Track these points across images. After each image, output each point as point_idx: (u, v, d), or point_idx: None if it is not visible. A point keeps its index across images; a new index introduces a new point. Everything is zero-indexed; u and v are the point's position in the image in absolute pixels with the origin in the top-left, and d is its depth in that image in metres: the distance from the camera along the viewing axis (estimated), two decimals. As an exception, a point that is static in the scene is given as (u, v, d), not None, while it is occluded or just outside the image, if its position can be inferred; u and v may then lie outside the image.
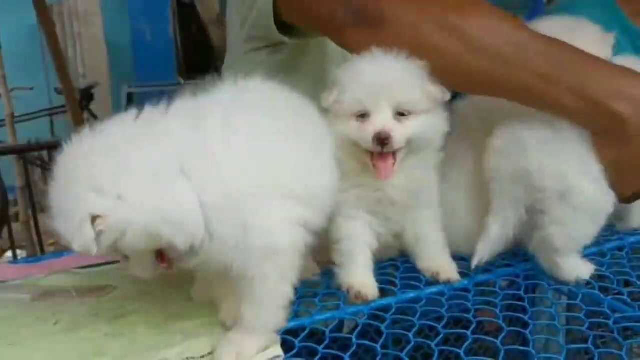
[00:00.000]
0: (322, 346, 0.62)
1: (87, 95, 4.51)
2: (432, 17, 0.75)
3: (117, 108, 4.61)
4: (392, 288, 0.77)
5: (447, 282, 0.78)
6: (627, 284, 0.80)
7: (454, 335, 0.67)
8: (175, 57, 4.96)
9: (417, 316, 0.70)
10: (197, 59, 4.94)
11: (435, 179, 0.80)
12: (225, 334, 0.64)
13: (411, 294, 0.75)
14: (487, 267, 0.82)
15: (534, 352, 0.65)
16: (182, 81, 4.74)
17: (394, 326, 0.71)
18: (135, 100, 4.66)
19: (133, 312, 0.71)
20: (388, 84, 0.72)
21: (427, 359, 0.66)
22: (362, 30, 0.77)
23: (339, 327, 0.89)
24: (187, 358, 0.61)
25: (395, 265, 0.84)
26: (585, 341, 0.67)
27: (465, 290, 0.77)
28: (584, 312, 0.71)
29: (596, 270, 0.80)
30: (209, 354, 0.62)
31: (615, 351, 0.63)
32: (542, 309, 0.80)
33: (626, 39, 1.76)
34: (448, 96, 0.75)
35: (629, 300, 0.73)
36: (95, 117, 4.43)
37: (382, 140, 0.70)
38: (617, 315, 0.69)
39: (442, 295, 0.75)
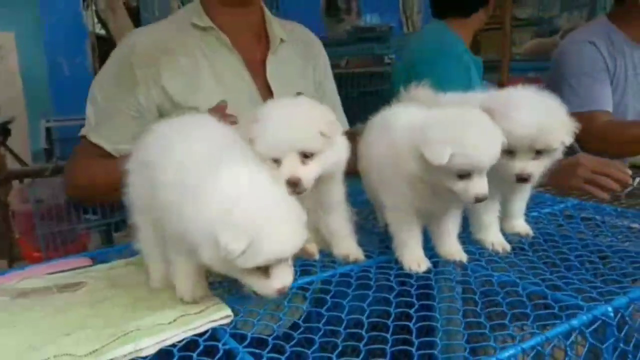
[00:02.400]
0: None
1: (3, 131, 4.44)
2: None
3: (35, 143, 4.58)
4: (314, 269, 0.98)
5: (355, 262, 1.00)
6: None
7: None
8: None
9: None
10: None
11: (341, 188, 1.02)
12: (185, 305, 0.82)
13: (329, 272, 0.97)
14: (386, 250, 1.05)
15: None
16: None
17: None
18: (53, 135, 4.64)
19: (107, 299, 0.88)
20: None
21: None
22: None
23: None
24: (157, 324, 0.79)
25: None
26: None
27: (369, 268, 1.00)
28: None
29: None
30: (174, 320, 0.80)
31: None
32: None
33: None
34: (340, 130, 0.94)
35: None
36: (12, 152, 4.38)
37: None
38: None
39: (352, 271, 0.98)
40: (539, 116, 0.94)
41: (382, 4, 4.51)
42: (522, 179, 0.97)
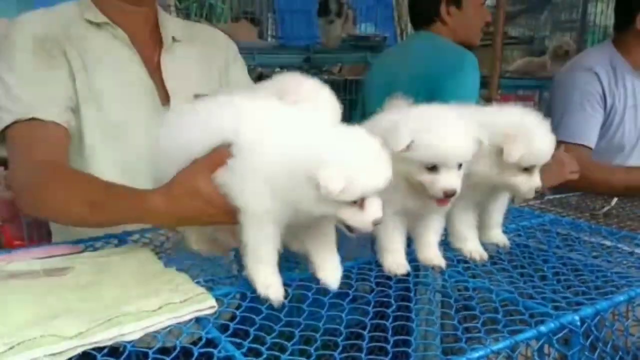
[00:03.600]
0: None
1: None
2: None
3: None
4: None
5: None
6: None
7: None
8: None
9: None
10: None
11: None
12: (169, 294, 0.85)
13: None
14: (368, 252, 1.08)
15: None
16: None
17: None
18: None
19: (94, 284, 0.90)
20: None
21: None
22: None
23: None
24: (142, 311, 0.81)
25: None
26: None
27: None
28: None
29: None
30: (159, 308, 0.82)
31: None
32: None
33: None
34: None
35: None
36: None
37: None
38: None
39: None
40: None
41: (377, 15, 4.56)
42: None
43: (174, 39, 1.44)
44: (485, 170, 1.00)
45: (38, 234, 2.59)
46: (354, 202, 0.81)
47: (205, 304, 0.83)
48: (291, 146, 0.83)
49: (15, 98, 1.24)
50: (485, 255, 1.07)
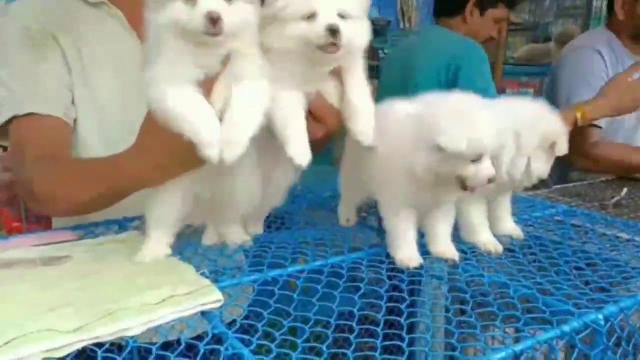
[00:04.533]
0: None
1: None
2: None
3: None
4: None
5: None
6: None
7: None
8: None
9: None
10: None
11: None
12: (173, 286, 0.81)
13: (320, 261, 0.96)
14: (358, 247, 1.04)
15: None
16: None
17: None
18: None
19: (93, 274, 0.86)
20: None
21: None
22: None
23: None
24: (144, 304, 0.77)
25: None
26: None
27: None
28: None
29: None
30: (163, 300, 0.78)
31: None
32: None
33: None
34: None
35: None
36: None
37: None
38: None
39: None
40: None
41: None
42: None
43: None
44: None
45: (36, 216, 2.56)
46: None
47: (210, 297, 0.79)
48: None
49: (11, 93, 1.20)
50: (500, 247, 1.04)
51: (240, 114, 0.87)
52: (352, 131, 0.98)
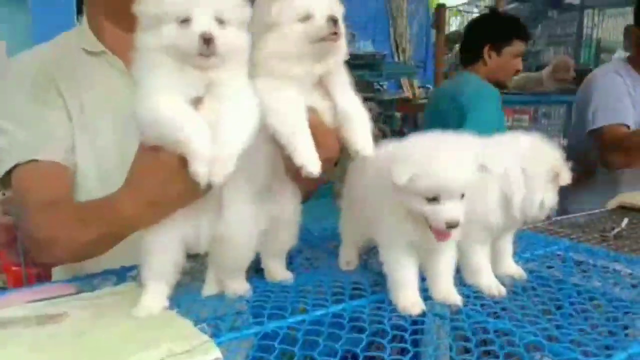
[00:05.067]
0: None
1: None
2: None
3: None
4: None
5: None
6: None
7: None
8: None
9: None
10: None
11: None
12: (171, 343, 0.79)
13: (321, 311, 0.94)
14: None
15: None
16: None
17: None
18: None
19: (90, 332, 0.84)
20: None
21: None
22: None
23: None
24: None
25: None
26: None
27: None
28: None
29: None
30: (168, 357, 0.76)
31: None
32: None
33: None
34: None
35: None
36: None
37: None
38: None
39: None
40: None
41: (373, 32, 4.56)
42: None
43: None
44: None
45: (34, 259, 2.54)
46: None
47: (210, 354, 0.77)
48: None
49: (14, 141, 1.22)
50: (503, 291, 1.02)
51: (228, 132, 0.87)
52: (350, 142, 0.97)
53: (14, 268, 2.59)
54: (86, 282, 1.10)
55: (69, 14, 4.88)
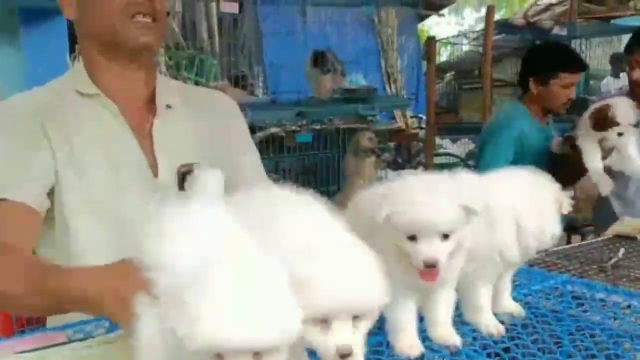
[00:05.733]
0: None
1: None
2: None
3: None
4: None
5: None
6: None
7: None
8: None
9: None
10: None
11: None
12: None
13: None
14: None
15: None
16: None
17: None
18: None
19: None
20: None
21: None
22: None
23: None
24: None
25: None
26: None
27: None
28: None
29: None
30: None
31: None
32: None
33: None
34: None
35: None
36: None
37: None
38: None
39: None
40: None
41: (365, 65, 4.61)
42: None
43: (167, 106, 1.40)
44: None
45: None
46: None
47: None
48: None
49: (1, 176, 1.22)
50: (502, 330, 1.01)
51: None
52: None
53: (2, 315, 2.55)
54: (78, 329, 1.08)
55: (61, 54, 4.94)
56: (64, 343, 1.00)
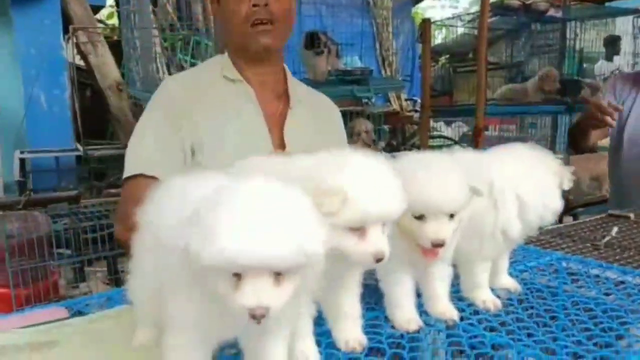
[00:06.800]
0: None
1: (-25, 162, 4.33)
2: None
3: (8, 174, 4.47)
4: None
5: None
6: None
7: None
8: (72, 123, 4.93)
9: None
10: (94, 125, 4.94)
11: None
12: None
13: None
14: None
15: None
16: (80, 147, 4.71)
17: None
18: (27, 166, 4.54)
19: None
20: None
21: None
22: None
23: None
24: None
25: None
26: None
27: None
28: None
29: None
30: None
31: None
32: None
33: None
34: None
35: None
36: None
37: None
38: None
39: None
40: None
41: (360, 48, 4.58)
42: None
43: (299, 101, 1.64)
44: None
45: (23, 281, 2.51)
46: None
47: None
48: None
49: (145, 153, 1.45)
50: (499, 304, 1.02)
51: None
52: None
53: (1, 290, 2.56)
54: (79, 304, 1.09)
55: (55, 35, 4.89)
56: (64, 318, 1.00)
